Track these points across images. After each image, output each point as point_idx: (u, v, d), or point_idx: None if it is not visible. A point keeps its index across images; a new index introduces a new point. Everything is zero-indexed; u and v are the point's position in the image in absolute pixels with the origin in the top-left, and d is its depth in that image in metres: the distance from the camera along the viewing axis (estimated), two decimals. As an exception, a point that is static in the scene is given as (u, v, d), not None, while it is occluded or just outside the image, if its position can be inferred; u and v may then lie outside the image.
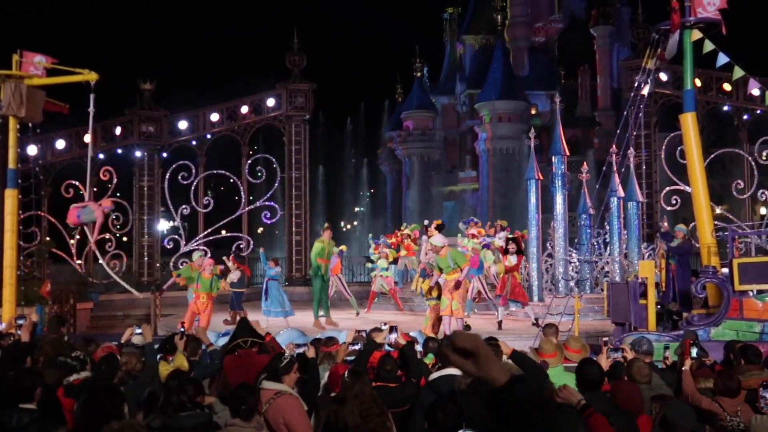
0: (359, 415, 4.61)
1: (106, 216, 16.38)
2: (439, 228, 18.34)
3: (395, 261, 21.47)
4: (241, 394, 5.18)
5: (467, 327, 16.19)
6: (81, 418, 4.95)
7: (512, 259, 17.14)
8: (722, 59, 13.94)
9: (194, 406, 5.43)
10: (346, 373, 6.48)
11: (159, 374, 7.09)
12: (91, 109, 14.78)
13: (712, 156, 22.97)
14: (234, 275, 18.19)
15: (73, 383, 6.79)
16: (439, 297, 14.30)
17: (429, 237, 17.53)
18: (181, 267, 18.92)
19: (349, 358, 7.54)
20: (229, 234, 25.19)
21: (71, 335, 14.35)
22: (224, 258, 19.09)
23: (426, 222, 19.81)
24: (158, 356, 7.71)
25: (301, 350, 7.10)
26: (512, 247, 17.29)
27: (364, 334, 8.19)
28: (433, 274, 14.71)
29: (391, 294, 20.83)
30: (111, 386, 5.83)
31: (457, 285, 13.88)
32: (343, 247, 21.81)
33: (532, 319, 16.80)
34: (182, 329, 8.55)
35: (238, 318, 16.62)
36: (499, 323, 16.90)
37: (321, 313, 17.23)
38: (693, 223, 14.93)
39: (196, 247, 23.22)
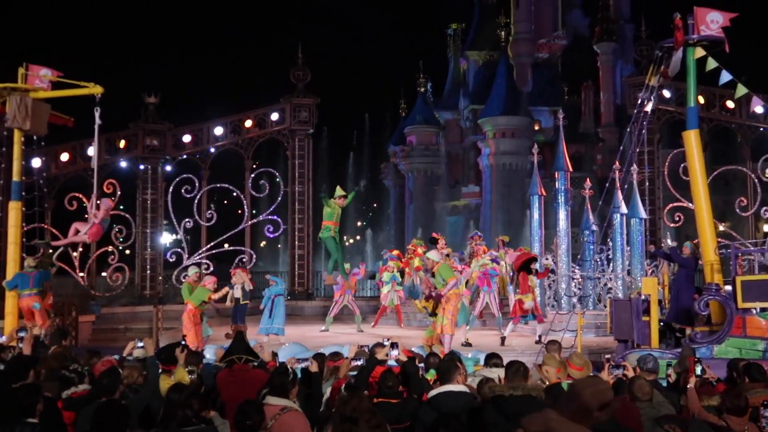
0: (366, 428, 4.61)
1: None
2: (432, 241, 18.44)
3: (402, 275, 21.37)
4: (247, 411, 5.16)
5: (468, 344, 16.15)
6: None
7: (535, 280, 17.31)
8: (725, 77, 13.95)
9: (199, 420, 5.42)
10: (342, 387, 6.46)
11: (159, 388, 7.06)
12: (97, 122, 14.83)
13: (715, 173, 22.99)
14: (246, 285, 18.21)
15: (72, 396, 6.77)
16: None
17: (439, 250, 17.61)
18: (183, 280, 18.84)
19: (352, 373, 7.52)
20: (231, 248, 25.17)
21: (73, 348, 14.34)
22: (231, 271, 19.01)
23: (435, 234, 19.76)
24: (159, 369, 7.69)
25: (303, 365, 7.08)
26: (534, 266, 17.33)
27: (366, 349, 8.17)
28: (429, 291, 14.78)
29: (396, 308, 20.76)
30: (119, 403, 5.83)
31: (437, 297, 13.88)
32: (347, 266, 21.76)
33: (536, 336, 16.76)
34: (183, 342, 8.52)
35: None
36: (503, 339, 16.86)
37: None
38: (696, 240, 14.90)
39: (199, 261, 23.22)
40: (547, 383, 6.97)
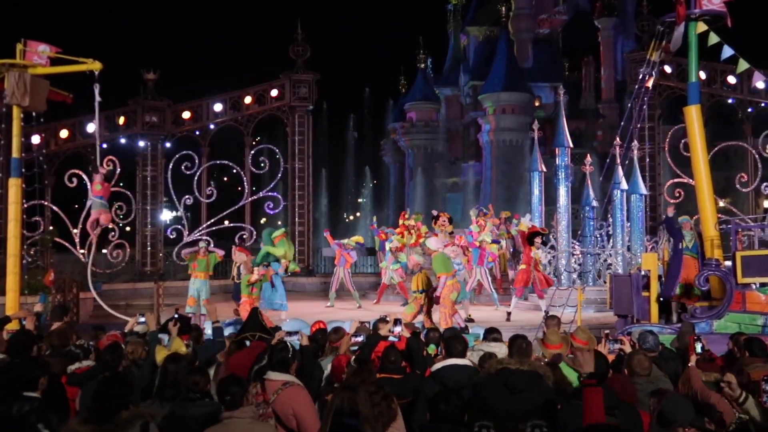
0: (369, 401, 4.63)
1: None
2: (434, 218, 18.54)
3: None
4: (226, 385, 5.19)
5: (470, 320, 16.18)
6: (91, 409, 4.98)
7: (539, 252, 17.40)
8: (727, 52, 13.89)
9: (203, 395, 5.46)
10: (352, 359, 6.47)
11: (156, 360, 7.07)
12: (97, 99, 14.80)
13: (716, 149, 22.95)
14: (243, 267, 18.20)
15: (76, 372, 6.80)
16: (422, 291, 14.18)
17: (440, 228, 17.66)
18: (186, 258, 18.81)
19: (353, 348, 7.54)
20: (231, 224, 25.20)
21: (77, 324, 14.40)
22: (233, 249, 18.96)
23: (434, 212, 19.74)
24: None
25: (293, 338, 7.06)
26: (538, 240, 17.39)
27: (368, 325, 8.18)
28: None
29: (400, 287, 20.73)
30: (119, 376, 5.84)
31: (436, 300, 13.82)
32: (359, 238, 21.74)
33: (542, 312, 16.85)
34: (176, 315, 8.53)
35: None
36: (509, 314, 16.90)
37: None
38: (696, 216, 14.91)
39: (200, 237, 23.23)
40: (546, 359, 7.00)
